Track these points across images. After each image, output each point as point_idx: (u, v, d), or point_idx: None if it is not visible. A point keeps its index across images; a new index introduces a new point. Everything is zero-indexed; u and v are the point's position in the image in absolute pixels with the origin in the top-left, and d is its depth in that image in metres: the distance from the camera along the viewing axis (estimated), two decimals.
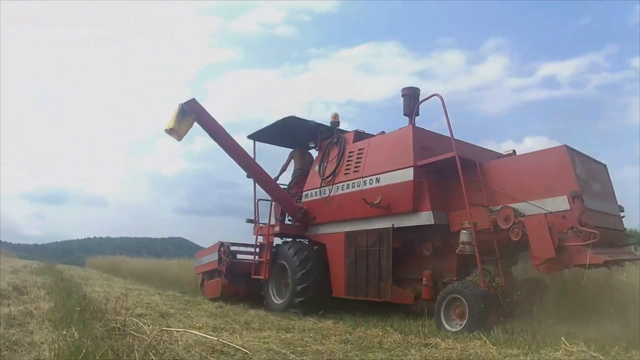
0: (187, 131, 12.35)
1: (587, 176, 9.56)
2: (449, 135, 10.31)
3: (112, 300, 11.28)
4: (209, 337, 5.73)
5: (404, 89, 11.79)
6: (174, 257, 32.54)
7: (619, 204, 10.37)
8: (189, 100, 12.40)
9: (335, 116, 13.74)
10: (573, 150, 9.57)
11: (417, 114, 11.38)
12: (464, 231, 9.68)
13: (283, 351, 6.42)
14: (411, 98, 11.49)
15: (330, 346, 7.15)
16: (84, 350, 5.42)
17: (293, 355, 6.23)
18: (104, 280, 24.03)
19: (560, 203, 8.84)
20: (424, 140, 10.87)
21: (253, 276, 14.18)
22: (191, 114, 12.28)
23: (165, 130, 12.31)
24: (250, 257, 14.80)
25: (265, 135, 14.75)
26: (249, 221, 15.06)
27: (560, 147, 9.48)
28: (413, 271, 11.21)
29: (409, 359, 6.15)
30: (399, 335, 8.21)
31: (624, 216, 10.37)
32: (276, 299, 13.42)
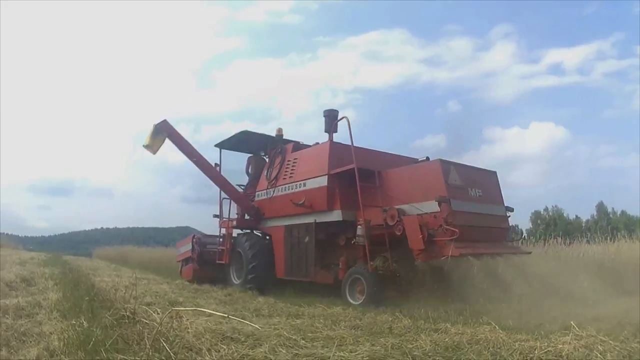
0: (160, 146, 15.21)
1: (463, 183, 11.48)
2: (372, 149, 13.72)
3: (120, 290, 11.15)
4: (218, 313, 5.76)
5: (325, 111, 14.26)
6: None
7: (507, 205, 12.28)
8: (161, 121, 15.24)
9: (280, 130, 16.74)
10: (449, 163, 11.54)
11: (335, 131, 13.89)
12: (359, 226, 12.08)
13: (293, 337, 6.25)
14: (330, 118, 14.06)
15: (341, 332, 7.00)
16: (93, 339, 5.33)
17: (304, 341, 6.07)
18: (112, 270, 23.41)
19: (433, 206, 10.93)
20: (339, 153, 13.13)
21: (217, 261, 17.12)
22: (163, 132, 15.16)
23: (143, 146, 15.12)
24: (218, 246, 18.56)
25: (228, 144, 17.64)
26: (215, 216, 17.98)
27: (435, 161, 11.71)
28: (333, 257, 13.62)
29: (419, 344, 5.97)
30: (409, 321, 8.09)
31: (509, 216, 12.28)
32: (235, 279, 16.17)
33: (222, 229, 17.78)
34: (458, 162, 11.92)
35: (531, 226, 76.13)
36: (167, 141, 15.36)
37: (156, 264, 29.25)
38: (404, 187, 12.05)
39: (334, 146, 13.70)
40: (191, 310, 7.69)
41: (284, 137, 16.76)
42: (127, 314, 7.03)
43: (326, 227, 13.68)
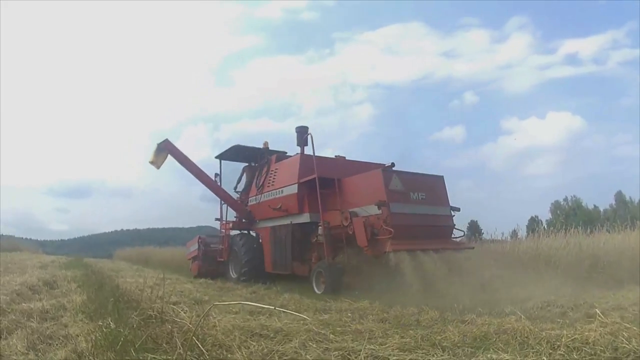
0: (164, 162, 17.44)
1: (404, 189, 12.71)
2: (341, 157, 16.43)
3: (145, 290, 10.36)
4: (264, 306, 5.67)
5: (297, 128, 16.28)
6: None
7: (452, 205, 13.86)
8: (163, 141, 17.29)
9: (266, 143, 18.78)
10: (392, 172, 12.82)
11: (306, 144, 15.59)
12: (320, 227, 13.79)
13: (322, 331, 5.90)
14: (301, 134, 15.98)
15: (369, 325, 6.64)
16: (122, 339, 4.97)
17: (333, 335, 5.70)
18: (135, 271, 22.08)
19: (376, 209, 12.24)
20: (309, 164, 14.57)
21: (218, 259, 19.20)
22: (165, 150, 17.26)
23: (149, 162, 17.31)
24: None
25: (225, 156, 19.95)
26: (217, 219, 20.04)
27: (377, 170, 12.97)
28: (307, 253, 15.21)
29: (447, 335, 5.76)
30: (436, 313, 7.73)
31: (454, 215, 13.75)
32: (233, 274, 17.92)
33: (222, 230, 19.87)
34: (403, 170, 13.37)
35: (551, 216, 70.48)
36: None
37: (178, 264, 27.90)
38: (356, 192, 13.41)
39: (304, 158, 15.44)
40: (229, 304, 7.61)
41: (270, 149, 18.82)
42: (155, 313, 6.56)
43: (300, 228, 15.39)
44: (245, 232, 18.68)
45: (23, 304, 8.07)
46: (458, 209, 13.85)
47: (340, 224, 13.13)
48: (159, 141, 17.39)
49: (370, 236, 12.26)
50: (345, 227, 12.97)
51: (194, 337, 4.80)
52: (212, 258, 19.91)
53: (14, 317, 6.88)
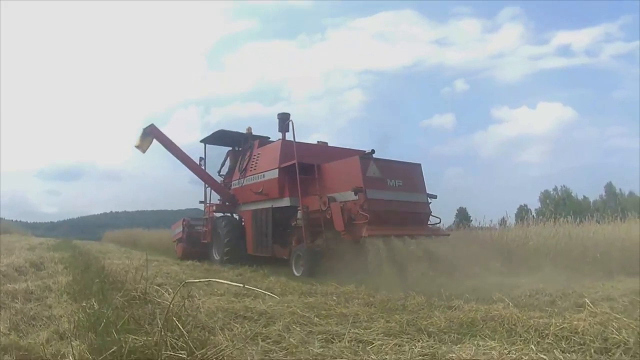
0: (149, 147, 17.88)
1: (382, 175, 12.98)
2: (323, 144, 17.05)
3: (131, 271, 10.13)
4: (233, 284, 5.25)
5: (279, 114, 16.72)
6: None
7: (430, 193, 14.21)
8: (149, 125, 17.73)
9: (249, 129, 19.23)
10: (369, 159, 13.11)
11: (287, 130, 15.87)
12: (299, 211, 14.12)
13: (307, 314, 5.86)
14: (282, 120, 16.39)
15: (355, 309, 6.53)
16: (104, 320, 4.90)
17: (317, 319, 5.66)
18: (122, 253, 21.82)
19: (353, 195, 12.55)
20: (289, 150, 14.91)
21: (202, 241, 19.48)
22: (151, 135, 17.67)
23: (134, 146, 17.80)
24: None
25: (210, 140, 20.24)
26: (201, 202, 20.42)
27: (355, 157, 13.33)
28: (288, 237, 15.47)
29: (433, 320, 5.66)
30: (422, 298, 7.62)
31: (430, 202, 14.13)
32: (216, 256, 18.19)
33: (206, 212, 20.13)
34: (381, 157, 13.51)
35: (540, 205, 72.25)
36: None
37: (165, 246, 27.43)
38: (335, 178, 13.62)
39: (285, 144, 15.77)
40: (205, 282, 7.27)
41: (254, 134, 19.29)
42: (138, 294, 6.59)
43: (281, 211, 15.63)
44: (229, 214, 19.01)
45: (8, 285, 7.88)
46: (435, 196, 14.21)
47: (319, 208, 13.41)
48: (145, 126, 17.93)
49: (348, 221, 12.57)
50: (324, 212, 13.22)
51: (174, 318, 4.72)
52: (196, 240, 20.20)
53: None
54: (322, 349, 4.51)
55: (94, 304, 5.93)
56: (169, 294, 6.48)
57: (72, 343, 4.56)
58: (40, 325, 5.59)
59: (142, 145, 17.93)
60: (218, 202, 19.55)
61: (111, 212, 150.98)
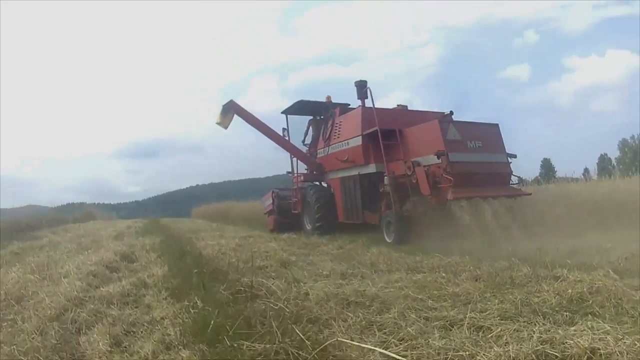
0: (230, 122, 18.26)
1: (461, 138, 12.91)
2: (402, 108, 16.91)
3: (228, 254, 10.40)
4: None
5: (356, 82, 16.48)
6: None
7: (509, 152, 13.83)
8: (228, 102, 18.13)
9: (329, 97, 19.29)
10: (448, 122, 13.23)
11: (366, 97, 15.67)
12: (385, 177, 13.94)
13: (420, 297, 5.67)
14: (361, 87, 16.11)
15: (466, 286, 6.32)
16: (212, 323, 4.72)
17: (431, 301, 5.48)
18: (214, 230, 21.38)
19: (435, 158, 12.54)
20: (370, 117, 14.91)
21: (293, 211, 19.64)
22: (231, 110, 18.08)
23: (215, 123, 18.22)
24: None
25: (291, 111, 20.28)
26: (288, 173, 20.57)
27: (434, 121, 13.35)
28: (376, 202, 15.27)
29: (544, 297, 5.57)
30: (528, 269, 7.39)
31: (510, 162, 13.83)
32: (307, 225, 18.32)
33: (294, 183, 20.30)
34: (460, 120, 13.79)
35: (619, 154, 68.43)
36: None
37: (258, 218, 26.01)
38: (416, 142, 13.64)
39: (365, 110, 15.67)
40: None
41: (333, 102, 19.20)
42: (244, 288, 6.34)
43: (368, 178, 15.56)
44: (317, 183, 19.05)
45: (101, 289, 7.38)
46: (514, 156, 13.90)
47: (404, 173, 13.41)
48: (224, 102, 18.22)
49: (433, 185, 12.61)
50: (409, 177, 13.22)
51: (289, 322, 4.68)
52: (287, 211, 20.13)
53: (92, 306, 6.32)
54: (442, 340, 4.24)
55: (197, 302, 5.78)
56: (274, 285, 6.57)
57: (182, 354, 4.38)
58: (142, 333, 5.24)
59: (224, 122, 18.26)
60: (305, 171, 19.53)
61: (197, 185, 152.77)
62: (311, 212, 17.81)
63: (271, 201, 21.36)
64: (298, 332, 4.43)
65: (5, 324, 5.91)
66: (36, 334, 5.32)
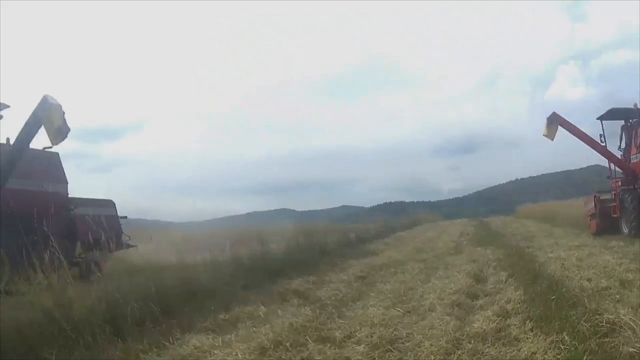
0: (555, 133, 20.19)
1: None
2: None
3: (572, 271, 10.47)
4: None
5: None
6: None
7: None
8: (552, 114, 20.11)
9: (636, 105, 19.66)
10: None
11: None
12: None
13: None
14: None
15: None
16: None
17: None
18: (547, 236, 21.99)
19: None
20: None
21: (612, 216, 20.05)
22: (555, 122, 20.00)
23: (543, 135, 20.37)
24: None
25: (606, 117, 21.34)
26: (608, 177, 21.42)
27: None
28: None
29: None
30: None
31: None
32: (625, 229, 18.77)
33: (612, 187, 20.81)
34: None
35: None
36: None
37: (577, 220, 26.43)
38: None
39: None
40: None
41: None
42: (603, 323, 6.03)
43: None
44: (632, 188, 19.27)
45: (474, 325, 7.07)
46: None
47: None
48: (548, 115, 20.03)
49: None
50: None
51: None
52: (608, 215, 20.54)
53: (470, 345, 6.17)
54: None
55: (565, 337, 5.59)
56: (623, 310, 6.44)
57: None
58: None
59: (549, 134, 20.16)
60: (622, 176, 20.06)
61: (516, 179, 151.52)
62: (628, 216, 18.50)
63: (593, 205, 21.87)
64: None
65: None
66: None
